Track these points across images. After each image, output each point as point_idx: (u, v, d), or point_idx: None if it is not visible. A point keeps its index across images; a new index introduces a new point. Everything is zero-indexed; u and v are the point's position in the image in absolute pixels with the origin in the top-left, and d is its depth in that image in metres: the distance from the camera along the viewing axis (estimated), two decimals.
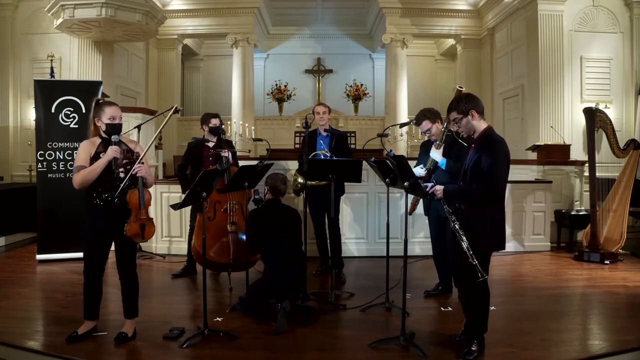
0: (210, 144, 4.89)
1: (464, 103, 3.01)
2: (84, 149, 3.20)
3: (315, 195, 4.72)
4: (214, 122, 4.92)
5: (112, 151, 3.11)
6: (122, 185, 3.15)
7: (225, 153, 4.67)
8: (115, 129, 3.19)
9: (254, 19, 11.14)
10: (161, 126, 3.64)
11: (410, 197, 4.10)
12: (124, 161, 3.23)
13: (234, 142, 5.61)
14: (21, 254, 6.02)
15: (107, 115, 3.20)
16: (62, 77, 8.21)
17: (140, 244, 5.93)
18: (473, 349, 3.01)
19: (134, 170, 3.15)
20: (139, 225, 3.15)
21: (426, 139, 4.42)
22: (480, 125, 3.02)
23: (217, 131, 4.90)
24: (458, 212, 3.03)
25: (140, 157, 3.24)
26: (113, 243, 3.29)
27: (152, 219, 3.29)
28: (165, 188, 5.97)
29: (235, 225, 4.45)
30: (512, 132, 9.45)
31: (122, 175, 3.19)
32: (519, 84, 9.28)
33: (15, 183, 8.07)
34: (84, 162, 3.15)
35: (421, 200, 4.48)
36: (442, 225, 4.08)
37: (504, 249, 3.09)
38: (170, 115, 3.60)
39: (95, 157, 3.17)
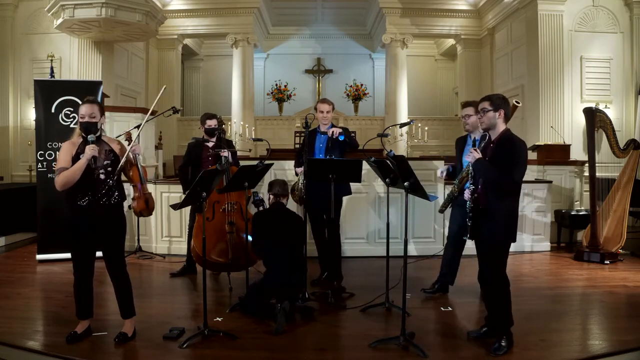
0: (210, 144, 4.89)
1: (500, 100, 3.19)
2: (65, 150, 3.13)
3: (315, 197, 4.52)
4: (209, 123, 4.92)
5: (90, 150, 3.04)
6: (105, 190, 3.14)
7: (225, 153, 4.66)
8: (84, 127, 3.14)
9: (254, 19, 11.15)
10: (148, 114, 3.68)
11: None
12: (105, 162, 3.16)
13: (234, 142, 5.61)
14: (21, 254, 6.02)
15: (80, 114, 3.17)
16: (62, 77, 8.22)
17: (141, 244, 5.97)
18: (503, 344, 3.07)
19: (131, 147, 3.18)
20: (144, 201, 3.35)
21: (464, 133, 4.34)
22: (500, 126, 3.20)
23: (212, 132, 4.89)
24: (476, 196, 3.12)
25: (134, 139, 3.23)
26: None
27: (150, 192, 3.37)
28: (165, 188, 5.96)
29: (233, 225, 4.45)
30: (513, 132, 9.43)
31: (102, 176, 3.14)
32: (519, 84, 9.28)
33: (15, 183, 8.07)
34: (66, 163, 3.08)
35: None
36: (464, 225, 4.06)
37: (515, 241, 3.17)
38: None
39: (75, 158, 3.10)
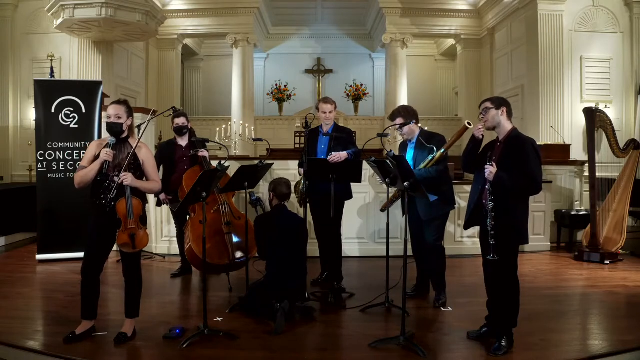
0: (183, 144, 4.83)
1: (501, 99, 3.21)
2: (90, 149, 3.21)
3: (317, 198, 4.47)
4: (177, 121, 4.82)
5: (103, 154, 3.09)
6: (109, 195, 3.11)
7: (204, 153, 4.62)
8: (108, 127, 3.20)
9: (254, 19, 11.15)
10: (144, 126, 3.57)
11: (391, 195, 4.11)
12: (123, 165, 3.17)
13: (234, 142, 5.59)
14: (21, 254, 6.01)
15: (107, 114, 3.21)
16: (62, 77, 8.22)
17: None
18: (503, 344, 3.07)
19: (119, 179, 3.07)
20: (128, 235, 3.11)
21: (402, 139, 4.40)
22: (507, 125, 3.19)
23: (180, 131, 4.85)
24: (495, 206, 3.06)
25: (124, 164, 3.13)
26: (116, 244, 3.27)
27: (143, 227, 3.21)
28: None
29: (230, 225, 4.43)
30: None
31: (115, 179, 3.14)
32: (519, 84, 9.28)
33: (15, 183, 8.06)
34: (87, 161, 3.16)
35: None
36: (422, 226, 4.08)
37: (528, 242, 3.20)
38: (166, 113, 3.58)
39: (97, 158, 3.14)
